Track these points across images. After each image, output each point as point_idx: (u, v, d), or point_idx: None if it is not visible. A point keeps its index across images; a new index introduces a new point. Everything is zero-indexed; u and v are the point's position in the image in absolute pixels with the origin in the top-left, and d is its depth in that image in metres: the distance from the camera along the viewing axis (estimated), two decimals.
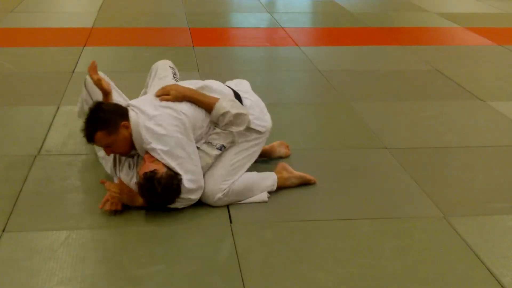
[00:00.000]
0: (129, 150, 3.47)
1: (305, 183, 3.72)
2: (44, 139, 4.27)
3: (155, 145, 3.33)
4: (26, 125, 4.55)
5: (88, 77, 3.88)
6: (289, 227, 3.33)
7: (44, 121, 4.58)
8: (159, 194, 3.27)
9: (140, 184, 3.32)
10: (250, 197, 3.54)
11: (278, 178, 3.64)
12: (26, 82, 5.51)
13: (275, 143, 4.07)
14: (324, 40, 7.60)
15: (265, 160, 3.96)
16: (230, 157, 3.52)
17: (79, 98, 4.04)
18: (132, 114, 3.43)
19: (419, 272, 2.97)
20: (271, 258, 3.05)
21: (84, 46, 6.63)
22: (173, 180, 3.29)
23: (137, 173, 3.41)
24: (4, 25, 7.53)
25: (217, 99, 3.50)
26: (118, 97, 3.83)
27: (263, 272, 2.94)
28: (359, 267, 2.99)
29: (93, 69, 3.70)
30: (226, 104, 3.47)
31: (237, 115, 3.48)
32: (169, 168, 3.31)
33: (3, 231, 3.20)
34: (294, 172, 3.72)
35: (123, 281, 2.85)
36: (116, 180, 3.52)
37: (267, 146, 4.00)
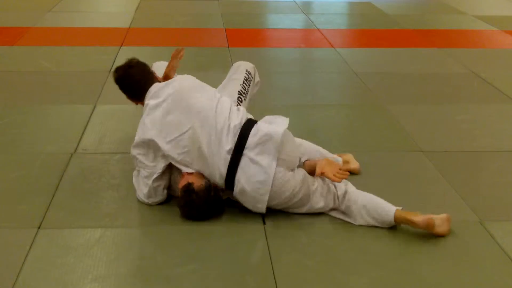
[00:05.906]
0: None
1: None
2: (81, 138, 4.31)
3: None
4: (63, 123, 4.61)
5: (155, 63, 3.94)
6: (323, 230, 3.31)
7: (80, 119, 4.62)
8: (197, 206, 3.27)
9: (179, 198, 3.34)
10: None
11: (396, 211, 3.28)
12: (63, 81, 5.58)
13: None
14: (360, 42, 7.57)
15: None
16: (290, 175, 3.30)
17: None
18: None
19: (454, 277, 2.94)
20: (304, 260, 3.04)
21: (121, 45, 6.69)
22: (210, 192, 3.28)
23: (178, 189, 3.40)
24: (42, 24, 7.62)
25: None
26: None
27: (296, 274, 2.94)
28: (393, 271, 2.97)
29: (176, 56, 3.93)
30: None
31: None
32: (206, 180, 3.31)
33: (39, 228, 3.24)
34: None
35: (157, 279, 2.87)
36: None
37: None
